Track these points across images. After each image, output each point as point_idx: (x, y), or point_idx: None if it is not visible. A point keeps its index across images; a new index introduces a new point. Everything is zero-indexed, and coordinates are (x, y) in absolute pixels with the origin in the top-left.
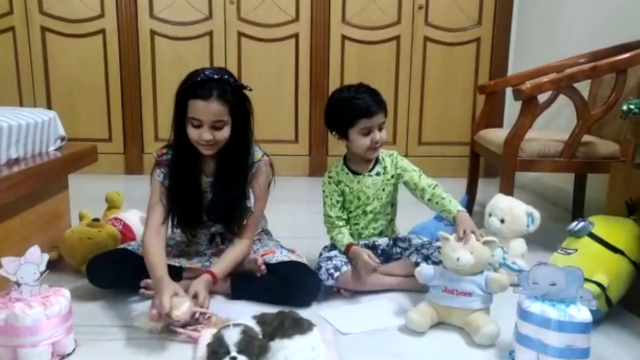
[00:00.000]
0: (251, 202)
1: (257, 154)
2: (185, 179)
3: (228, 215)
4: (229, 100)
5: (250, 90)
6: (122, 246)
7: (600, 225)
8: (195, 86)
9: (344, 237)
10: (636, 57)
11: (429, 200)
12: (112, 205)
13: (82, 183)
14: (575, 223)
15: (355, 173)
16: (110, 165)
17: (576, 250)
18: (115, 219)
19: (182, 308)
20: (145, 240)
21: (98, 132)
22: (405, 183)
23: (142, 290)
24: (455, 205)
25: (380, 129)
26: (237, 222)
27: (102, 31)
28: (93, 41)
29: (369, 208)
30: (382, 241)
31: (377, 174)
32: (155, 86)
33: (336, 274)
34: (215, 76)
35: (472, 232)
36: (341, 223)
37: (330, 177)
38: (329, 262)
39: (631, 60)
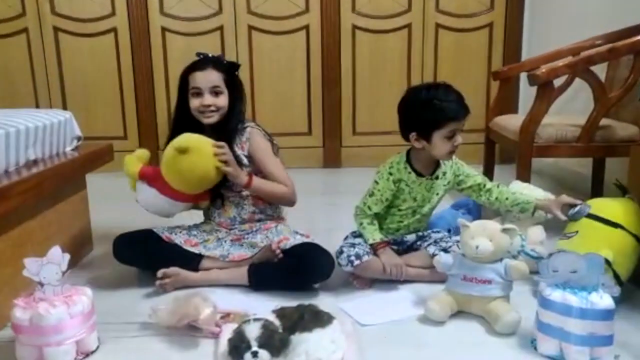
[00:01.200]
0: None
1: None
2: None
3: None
4: (223, 71)
5: (240, 65)
6: (148, 227)
7: (597, 205)
8: (193, 64)
9: (376, 231)
10: None
11: (496, 199)
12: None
13: (100, 181)
14: (573, 209)
15: (418, 174)
16: None
17: (577, 232)
18: None
19: (205, 313)
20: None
21: (113, 130)
22: (469, 187)
23: (158, 282)
24: (528, 197)
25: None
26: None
27: (114, 29)
28: (105, 40)
29: (422, 210)
30: (410, 237)
31: (437, 177)
32: (168, 83)
33: (356, 262)
34: (210, 55)
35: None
36: (374, 218)
37: (391, 173)
38: (352, 248)
39: None
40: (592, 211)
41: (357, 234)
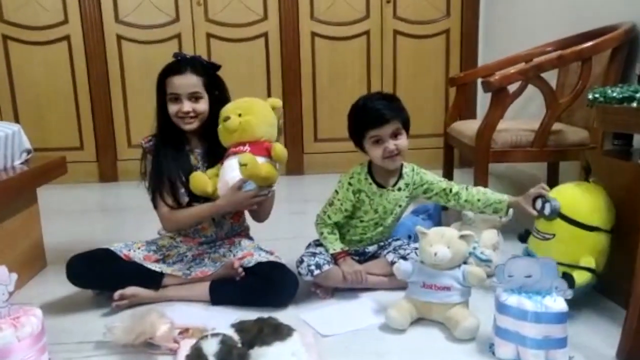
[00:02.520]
0: None
1: None
2: (176, 155)
3: None
4: (202, 75)
5: (220, 66)
6: (105, 246)
7: (568, 201)
8: (171, 66)
9: (337, 240)
10: (600, 45)
11: (466, 201)
12: None
13: (55, 194)
14: (540, 203)
15: (379, 186)
16: (84, 174)
17: (554, 235)
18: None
19: (162, 330)
20: (172, 216)
21: (69, 140)
22: (436, 194)
23: (115, 304)
24: (499, 195)
25: (395, 137)
26: None
27: (67, 37)
28: (58, 48)
29: (384, 222)
30: (372, 248)
31: (399, 189)
32: (125, 91)
33: (316, 272)
34: (188, 56)
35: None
36: (335, 227)
37: (350, 183)
38: (312, 258)
39: (595, 48)
40: (565, 211)
41: (318, 243)
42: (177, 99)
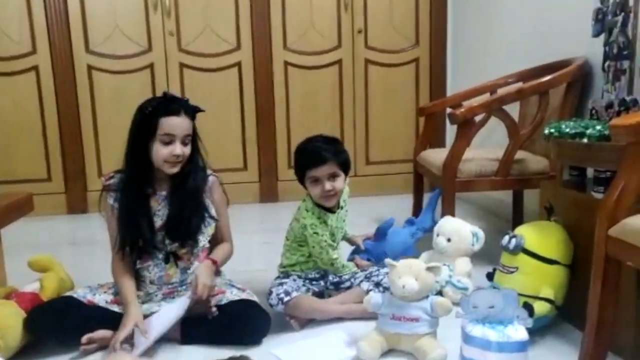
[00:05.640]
0: (211, 214)
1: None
2: (139, 198)
3: (186, 227)
4: (191, 118)
5: (204, 110)
6: (67, 294)
7: (531, 237)
8: (164, 105)
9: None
10: (556, 79)
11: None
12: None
13: (21, 228)
14: (506, 239)
15: (329, 210)
16: (52, 206)
17: (517, 268)
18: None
19: None
20: (114, 267)
21: (36, 172)
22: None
23: (82, 348)
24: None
25: (332, 179)
26: (194, 235)
27: (35, 68)
28: (26, 79)
29: (336, 241)
30: (346, 277)
31: (341, 207)
32: (96, 122)
33: (286, 299)
34: (178, 97)
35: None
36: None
37: (319, 217)
38: (280, 287)
39: (551, 83)
40: (528, 246)
41: (285, 274)
42: (170, 141)
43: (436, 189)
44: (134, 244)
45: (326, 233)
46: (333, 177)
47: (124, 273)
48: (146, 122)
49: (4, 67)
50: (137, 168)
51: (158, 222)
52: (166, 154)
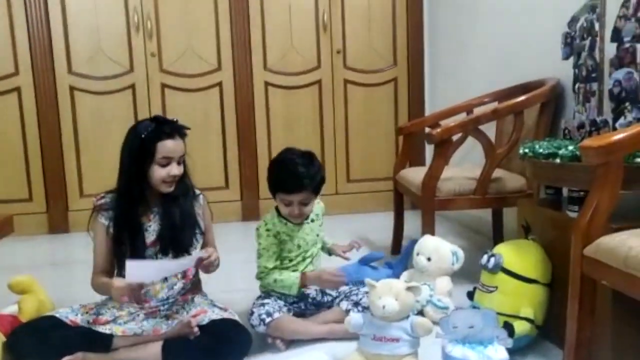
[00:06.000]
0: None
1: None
2: (132, 216)
3: (180, 241)
4: (183, 138)
5: (189, 129)
6: (49, 314)
7: (509, 256)
8: (160, 130)
9: (290, 275)
10: (529, 100)
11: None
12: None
13: (1, 248)
14: (485, 258)
15: (293, 222)
16: (33, 226)
17: (496, 287)
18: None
19: None
20: (95, 281)
21: (16, 192)
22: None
23: None
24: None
25: (302, 204)
26: (187, 248)
27: (17, 89)
28: (8, 99)
29: (308, 254)
30: (311, 291)
31: (312, 220)
32: (78, 142)
33: (268, 320)
34: (168, 118)
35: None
36: (277, 270)
37: (268, 229)
38: (262, 307)
39: (526, 103)
40: (507, 265)
41: (263, 297)
42: (168, 163)
43: (411, 240)
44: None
45: (272, 246)
46: (304, 203)
47: (96, 278)
48: (144, 146)
49: None
50: (132, 188)
51: (149, 237)
52: (164, 174)
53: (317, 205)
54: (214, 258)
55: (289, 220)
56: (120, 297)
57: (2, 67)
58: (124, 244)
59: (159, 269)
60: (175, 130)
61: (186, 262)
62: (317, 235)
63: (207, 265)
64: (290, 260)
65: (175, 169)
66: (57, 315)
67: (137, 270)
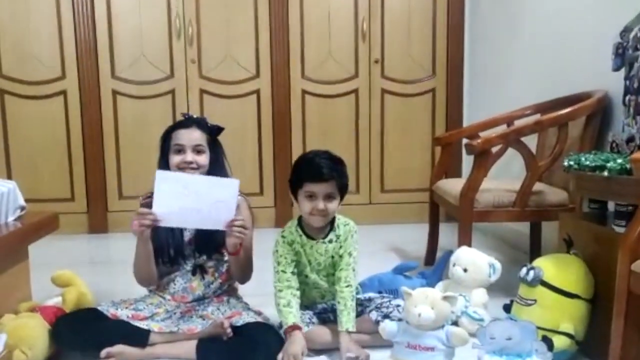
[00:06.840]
0: None
1: None
2: None
3: (214, 240)
4: (206, 132)
5: (223, 129)
6: (92, 306)
7: (549, 270)
8: (178, 122)
9: (290, 313)
10: (575, 112)
11: (335, 290)
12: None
13: (44, 246)
14: (524, 271)
15: (309, 237)
16: (74, 225)
17: (535, 301)
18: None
19: None
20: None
21: (60, 192)
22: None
23: None
24: (347, 322)
25: (328, 199)
26: (221, 247)
27: (64, 92)
28: (54, 102)
29: (321, 274)
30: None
31: (330, 241)
32: (119, 145)
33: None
34: (194, 116)
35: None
36: (295, 286)
37: (283, 236)
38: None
39: (571, 115)
40: (547, 278)
41: None
42: (181, 150)
43: (447, 251)
44: (166, 253)
45: (288, 254)
46: (329, 197)
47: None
48: (164, 137)
49: (35, 90)
50: None
51: (187, 235)
52: (178, 160)
53: (344, 226)
54: (245, 227)
55: (305, 233)
56: (132, 225)
57: (50, 71)
58: (166, 238)
59: (189, 191)
60: (192, 120)
61: (220, 195)
62: (332, 258)
63: (238, 233)
64: (307, 276)
65: (189, 156)
66: (99, 308)
67: (164, 183)
